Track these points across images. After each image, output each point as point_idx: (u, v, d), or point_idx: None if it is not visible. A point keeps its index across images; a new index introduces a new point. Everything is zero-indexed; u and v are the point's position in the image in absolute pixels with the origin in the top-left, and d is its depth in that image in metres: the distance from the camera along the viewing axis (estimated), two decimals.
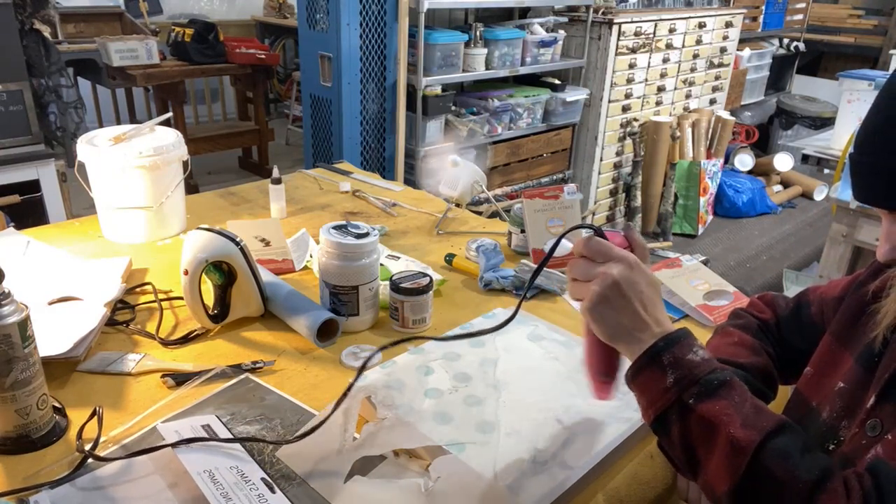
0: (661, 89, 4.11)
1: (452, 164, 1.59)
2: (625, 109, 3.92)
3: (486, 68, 3.26)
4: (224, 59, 4.05)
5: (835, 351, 0.78)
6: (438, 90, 3.08)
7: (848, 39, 5.74)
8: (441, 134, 3.22)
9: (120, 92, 4.65)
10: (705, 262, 1.36)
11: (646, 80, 3.97)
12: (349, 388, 0.80)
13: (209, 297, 1.08)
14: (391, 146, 3.14)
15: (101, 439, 0.82)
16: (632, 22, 3.67)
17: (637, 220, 4.12)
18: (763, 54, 5.30)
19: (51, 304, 1.08)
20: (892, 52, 3.88)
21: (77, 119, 2.53)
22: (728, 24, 4.43)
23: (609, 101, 3.79)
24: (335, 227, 1.09)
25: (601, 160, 3.96)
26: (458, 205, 1.62)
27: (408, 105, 3.07)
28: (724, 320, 0.97)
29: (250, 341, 1.08)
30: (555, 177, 3.91)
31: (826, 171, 3.05)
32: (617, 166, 4.11)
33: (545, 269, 1.12)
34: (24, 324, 0.77)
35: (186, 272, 1.03)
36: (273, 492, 0.74)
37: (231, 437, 0.82)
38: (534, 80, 3.74)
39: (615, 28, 3.59)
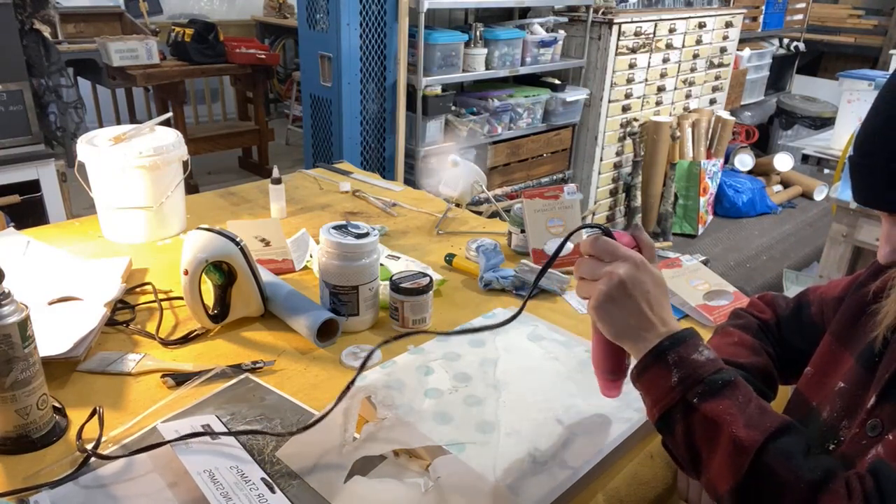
0: (661, 89, 4.11)
1: (452, 164, 1.59)
2: (625, 109, 3.92)
3: (486, 68, 3.26)
4: (224, 59, 4.05)
5: (835, 351, 0.78)
6: (438, 90, 3.08)
7: (848, 39, 5.75)
8: (441, 134, 3.22)
9: (120, 92, 4.65)
10: (705, 262, 1.36)
11: (646, 80, 3.97)
12: (352, 382, 0.80)
13: (209, 297, 1.08)
14: (391, 146, 3.14)
15: (102, 439, 0.82)
16: (632, 22, 3.67)
17: (637, 221, 4.12)
18: (763, 54, 5.30)
19: (51, 304, 1.08)
20: (892, 52, 3.88)
21: (77, 119, 2.53)
22: (728, 24, 4.43)
23: (609, 101, 3.79)
24: (335, 227, 1.09)
25: (601, 160, 3.96)
26: (458, 205, 1.62)
27: (408, 105, 3.07)
28: (724, 320, 0.97)
29: (250, 341, 1.08)
30: (555, 177, 3.91)
31: (826, 171, 3.05)
32: (617, 166, 4.11)
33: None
34: (24, 324, 0.77)
35: (186, 272, 1.03)
36: (273, 492, 0.74)
37: (233, 435, 0.82)
38: (534, 80, 3.74)
39: (615, 28, 3.59)
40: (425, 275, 1.12)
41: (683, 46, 4.13)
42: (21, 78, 2.23)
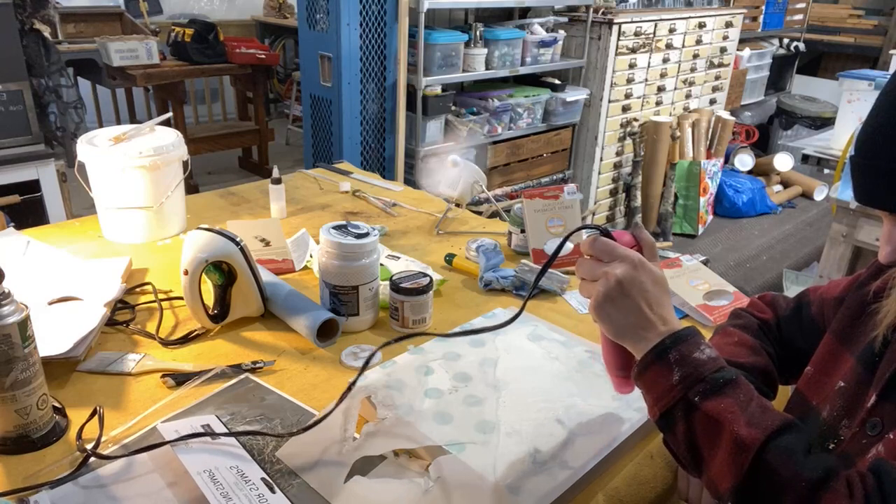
0: (661, 89, 4.11)
1: (452, 164, 1.58)
2: (625, 109, 3.92)
3: (486, 68, 3.26)
4: (224, 59, 4.05)
5: (835, 350, 0.78)
6: (438, 90, 3.08)
7: (848, 39, 5.75)
8: (441, 134, 3.22)
9: (120, 92, 4.65)
10: (705, 262, 1.36)
11: (646, 80, 3.97)
12: (353, 383, 0.80)
13: (209, 297, 1.08)
14: (391, 146, 3.14)
15: (102, 439, 0.82)
16: (632, 22, 3.67)
17: (637, 220, 4.12)
18: (763, 54, 5.30)
19: (51, 304, 1.08)
20: (892, 52, 3.88)
21: (77, 119, 2.53)
22: (728, 24, 4.43)
23: (609, 101, 3.79)
24: (335, 227, 1.09)
25: (601, 160, 3.96)
26: (458, 205, 1.62)
27: (408, 105, 3.07)
28: (724, 320, 0.97)
29: (250, 341, 1.08)
30: (555, 177, 3.91)
31: (826, 171, 3.05)
32: (617, 166, 4.11)
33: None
34: (24, 324, 0.77)
35: (186, 272, 1.03)
36: (273, 492, 0.74)
37: (233, 435, 0.82)
38: (534, 80, 3.74)
39: (615, 28, 3.59)
40: (425, 275, 1.12)
41: (683, 46, 4.13)
42: (21, 78, 2.23)
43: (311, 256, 1.34)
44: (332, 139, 3.05)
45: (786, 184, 4.94)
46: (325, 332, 1.06)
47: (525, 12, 3.74)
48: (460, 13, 3.55)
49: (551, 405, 0.89)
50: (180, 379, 0.94)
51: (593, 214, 4.03)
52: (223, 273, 1.08)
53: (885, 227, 0.69)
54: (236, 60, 4.06)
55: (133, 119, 4.70)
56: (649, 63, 3.93)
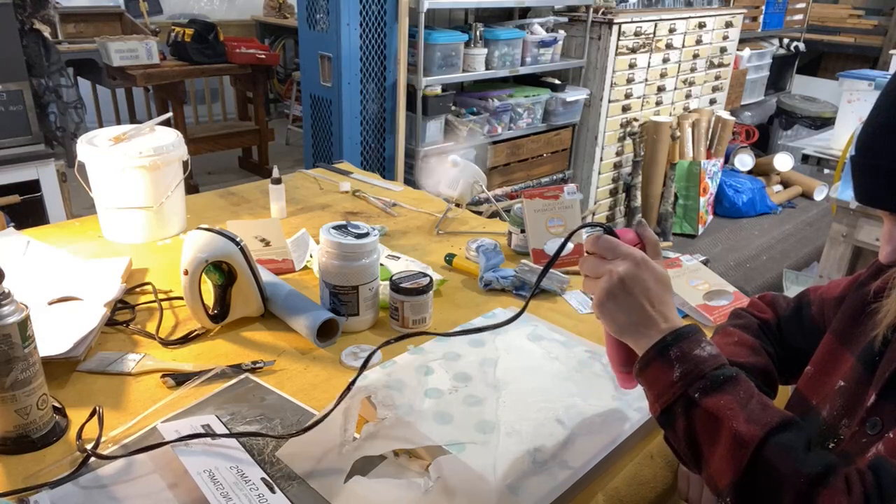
0: (661, 89, 4.11)
1: (452, 164, 1.58)
2: (625, 109, 3.92)
3: (486, 68, 3.26)
4: (224, 59, 4.05)
5: (835, 350, 0.78)
6: (438, 90, 3.08)
7: (848, 39, 5.75)
8: (441, 134, 3.22)
9: (120, 92, 4.64)
10: (705, 262, 1.36)
11: (646, 80, 3.97)
12: (352, 384, 0.80)
13: (209, 297, 1.08)
14: (391, 146, 3.14)
15: (102, 439, 0.82)
16: (632, 22, 3.67)
17: (641, 219, 4.12)
18: (763, 54, 5.30)
19: (51, 304, 1.08)
20: (892, 52, 3.88)
21: (77, 119, 2.53)
22: (728, 24, 4.43)
23: (609, 101, 3.79)
24: (335, 227, 1.09)
25: (601, 160, 3.96)
26: (458, 205, 1.62)
27: (408, 105, 3.07)
28: (724, 320, 0.97)
29: (250, 341, 1.08)
30: (555, 177, 3.91)
31: (826, 171, 3.05)
32: (617, 166, 4.11)
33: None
34: (24, 324, 0.77)
35: (186, 272, 1.03)
36: (273, 492, 0.74)
37: (233, 437, 0.82)
38: (534, 80, 3.74)
39: (615, 28, 3.59)
40: (425, 275, 1.12)
41: (683, 46, 4.13)
42: (21, 78, 2.23)
43: (311, 256, 1.34)
44: (332, 139, 3.05)
45: (786, 184, 4.94)
46: (325, 332, 1.06)
47: (525, 12, 3.74)
48: (460, 13, 3.55)
49: (551, 405, 0.89)
50: (180, 379, 0.94)
51: (593, 214, 4.03)
52: (223, 273, 1.08)
53: (885, 226, 0.69)
54: (236, 60, 4.06)
55: (133, 119, 4.70)
56: (649, 63, 3.93)
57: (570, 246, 1.34)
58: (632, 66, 3.81)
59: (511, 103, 3.42)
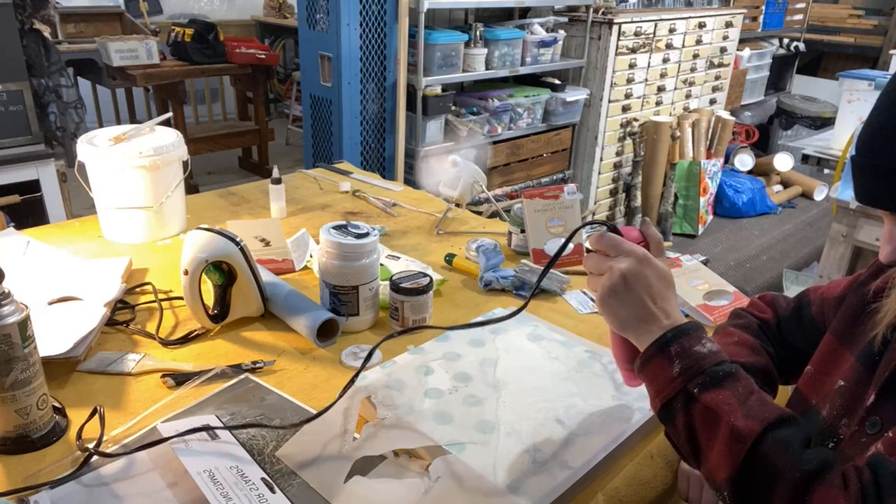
0: (661, 89, 4.11)
1: (452, 164, 1.58)
2: (625, 109, 3.92)
3: (486, 68, 3.26)
4: (224, 59, 4.05)
5: (835, 350, 0.78)
6: (438, 90, 3.08)
7: (848, 39, 5.75)
8: (441, 134, 3.22)
9: (120, 92, 4.64)
10: (705, 262, 1.36)
11: (646, 80, 3.97)
12: (355, 376, 0.80)
13: (209, 297, 1.08)
14: (391, 146, 3.14)
15: (103, 438, 0.82)
16: (632, 22, 3.67)
17: (636, 221, 4.12)
18: (763, 54, 5.30)
19: (51, 304, 1.08)
20: (892, 52, 3.88)
21: (77, 119, 2.53)
22: (728, 24, 4.43)
23: (609, 101, 3.79)
24: (335, 227, 1.09)
25: (601, 160, 3.96)
26: (458, 205, 1.62)
27: (408, 105, 3.07)
28: (724, 320, 0.97)
29: (250, 341, 1.08)
30: (555, 177, 3.91)
31: (826, 171, 3.05)
32: (617, 166, 4.11)
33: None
34: (24, 324, 0.77)
35: (186, 272, 1.03)
36: (273, 492, 0.74)
37: (232, 435, 0.82)
38: (534, 80, 3.74)
39: (615, 28, 3.59)
40: (425, 275, 1.12)
41: (683, 46, 4.13)
42: (21, 78, 2.23)
43: (311, 256, 1.34)
44: (332, 139, 3.05)
45: (786, 184, 4.94)
46: (325, 332, 1.06)
47: (525, 12, 3.74)
48: (460, 13, 3.55)
49: (551, 405, 0.89)
50: (180, 379, 0.94)
51: (593, 214, 4.03)
52: (223, 273, 1.08)
53: (885, 226, 0.69)
54: (236, 60, 4.06)
55: (133, 119, 4.70)
56: (649, 63, 3.93)
57: (570, 246, 1.34)
58: (632, 66, 3.81)
59: (511, 103, 3.42)
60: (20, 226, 1.60)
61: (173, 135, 1.44)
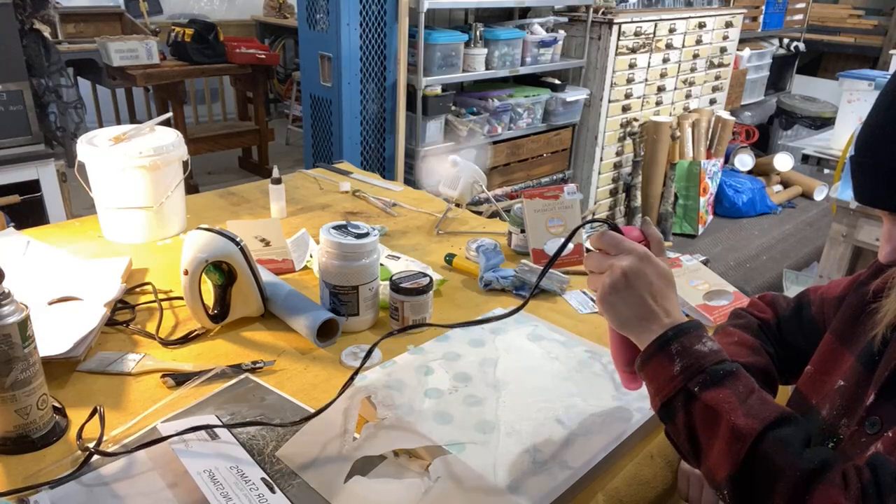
0: (661, 89, 4.11)
1: (452, 164, 1.58)
2: (625, 109, 3.92)
3: (486, 68, 3.26)
4: (224, 59, 4.05)
5: (835, 350, 0.78)
6: (438, 90, 3.08)
7: (848, 39, 5.75)
8: (441, 134, 3.22)
9: (120, 92, 4.65)
10: (705, 262, 1.36)
11: (646, 80, 3.97)
12: (355, 374, 0.80)
13: (209, 297, 1.08)
14: (391, 146, 3.14)
15: (103, 438, 0.82)
16: (632, 22, 3.67)
17: (636, 221, 4.12)
18: (763, 54, 5.30)
19: (51, 304, 1.08)
20: (892, 52, 3.88)
21: (77, 119, 2.53)
22: (728, 24, 4.43)
23: (609, 101, 3.79)
24: (335, 227, 1.09)
25: (601, 160, 3.96)
26: (458, 205, 1.62)
27: (408, 105, 3.07)
28: (724, 320, 0.98)
29: (250, 341, 1.08)
30: (555, 177, 3.91)
31: (826, 171, 3.05)
32: (617, 166, 4.11)
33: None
34: (24, 324, 0.77)
35: (186, 272, 1.03)
36: (273, 492, 0.74)
37: (231, 435, 0.82)
38: (534, 80, 3.74)
39: (615, 28, 3.59)
40: (425, 275, 1.12)
41: (683, 46, 4.13)
42: (21, 78, 2.23)
43: (311, 256, 1.34)
44: (332, 139, 3.05)
45: (786, 184, 4.94)
46: (325, 332, 1.06)
47: (525, 12, 3.74)
48: (460, 13, 3.55)
49: (551, 405, 0.89)
50: (180, 379, 0.94)
51: (593, 214, 4.03)
52: (223, 273, 1.08)
53: (885, 226, 0.69)
54: (236, 60, 4.06)
55: (133, 119, 4.70)
56: (649, 63, 3.93)
57: (569, 246, 1.34)
58: (632, 66, 3.81)
59: (511, 103, 3.42)
60: (20, 226, 1.60)
61: (173, 135, 1.44)
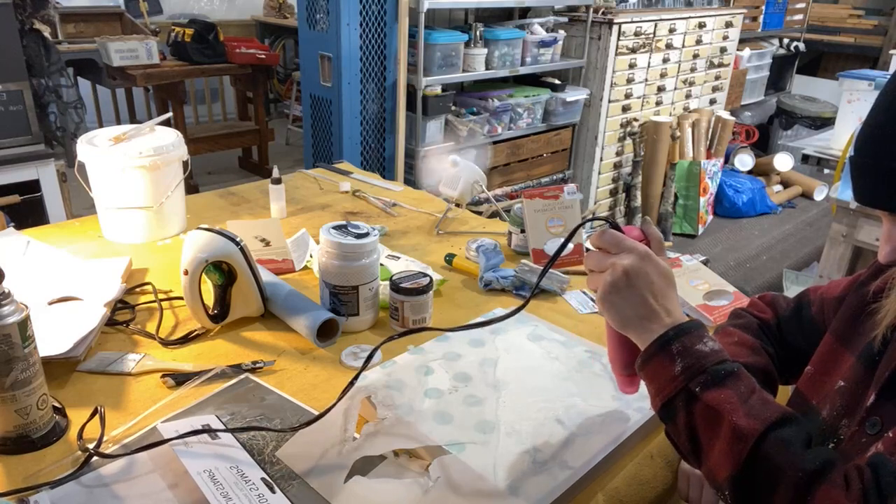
0: (661, 89, 4.11)
1: (452, 164, 1.58)
2: (625, 109, 3.92)
3: (486, 68, 3.26)
4: (224, 59, 4.05)
5: (835, 350, 0.78)
6: (438, 90, 3.08)
7: (848, 39, 5.75)
8: (441, 134, 3.22)
9: (120, 92, 4.65)
10: (705, 262, 1.36)
11: (646, 80, 3.97)
12: (355, 379, 0.80)
13: (209, 297, 1.08)
14: (391, 146, 3.14)
15: (103, 438, 0.82)
16: (632, 22, 3.67)
17: (636, 221, 4.12)
18: (763, 54, 5.30)
19: (51, 304, 1.08)
20: (892, 52, 3.88)
21: (77, 119, 2.53)
22: (728, 24, 4.43)
23: (609, 101, 3.79)
24: (335, 227, 1.09)
25: (601, 160, 3.96)
26: (458, 205, 1.62)
27: (408, 105, 3.07)
28: (724, 320, 0.97)
29: (250, 341, 1.08)
30: (555, 177, 3.91)
31: (826, 171, 3.05)
32: (617, 166, 4.11)
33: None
34: (24, 324, 0.77)
35: (186, 272, 1.03)
36: (273, 492, 0.74)
37: (232, 435, 0.82)
38: (534, 80, 3.74)
39: (615, 28, 3.59)
40: (425, 275, 1.12)
41: (683, 46, 4.13)
42: (21, 78, 2.23)
43: (311, 256, 1.34)
44: (332, 139, 3.05)
45: (786, 184, 4.94)
46: (325, 332, 1.06)
47: (525, 12, 3.74)
48: (460, 13, 3.55)
49: (551, 405, 0.89)
50: (180, 379, 0.94)
51: (593, 214, 4.03)
52: (223, 273, 1.08)
53: (884, 226, 0.69)
54: (236, 60, 4.06)
55: (133, 119, 4.70)
56: (649, 63, 3.93)
57: (569, 246, 1.34)
58: (632, 66, 3.81)
59: (511, 103, 3.42)
60: (20, 226, 1.60)
61: (173, 135, 1.44)
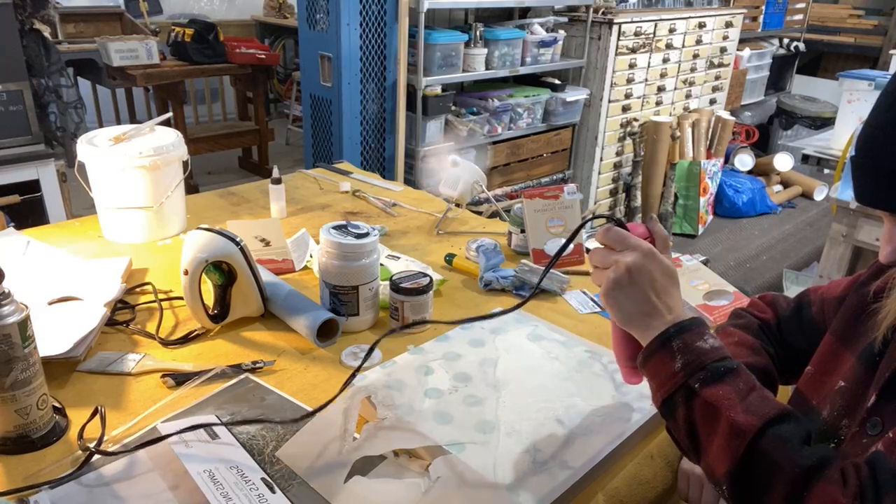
0: (661, 89, 4.11)
1: (452, 164, 1.58)
2: (625, 109, 3.92)
3: (486, 68, 3.26)
4: (224, 59, 4.05)
5: (836, 350, 0.78)
6: (438, 90, 3.08)
7: (848, 39, 5.75)
8: (441, 134, 3.22)
9: (120, 92, 4.65)
10: (705, 262, 1.36)
11: (646, 80, 3.97)
12: (355, 372, 0.80)
13: (209, 297, 1.08)
14: (391, 146, 3.14)
15: (104, 438, 0.82)
16: (632, 22, 3.67)
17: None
18: (763, 54, 5.30)
19: (51, 304, 1.08)
20: (892, 52, 3.88)
21: (77, 119, 2.53)
22: (728, 24, 4.43)
23: (609, 101, 3.79)
24: (335, 227, 1.09)
25: (601, 160, 3.96)
26: (458, 205, 1.62)
27: (408, 105, 3.07)
28: (724, 320, 0.97)
29: (250, 341, 1.08)
30: (555, 177, 3.91)
31: (826, 171, 3.05)
32: (617, 166, 4.11)
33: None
34: (24, 324, 0.77)
35: (186, 272, 1.03)
36: (273, 492, 0.74)
37: (232, 435, 0.82)
38: (534, 80, 3.74)
39: (615, 28, 3.59)
40: (425, 275, 1.12)
41: (683, 46, 4.13)
42: (21, 78, 2.23)
43: (311, 256, 1.34)
44: (332, 139, 3.05)
45: (786, 184, 4.94)
46: (325, 332, 1.06)
47: (525, 12, 3.74)
48: (460, 13, 3.55)
49: (551, 405, 0.89)
50: (180, 379, 0.94)
51: (593, 214, 4.03)
52: (223, 273, 1.08)
53: (885, 226, 0.69)
54: (236, 60, 4.06)
55: (133, 119, 4.70)
56: (649, 63, 3.93)
57: (570, 246, 1.34)
58: (632, 66, 3.81)
59: (511, 103, 3.42)
60: (20, 226, 1.60)
61: (173, 135, 1.44)
